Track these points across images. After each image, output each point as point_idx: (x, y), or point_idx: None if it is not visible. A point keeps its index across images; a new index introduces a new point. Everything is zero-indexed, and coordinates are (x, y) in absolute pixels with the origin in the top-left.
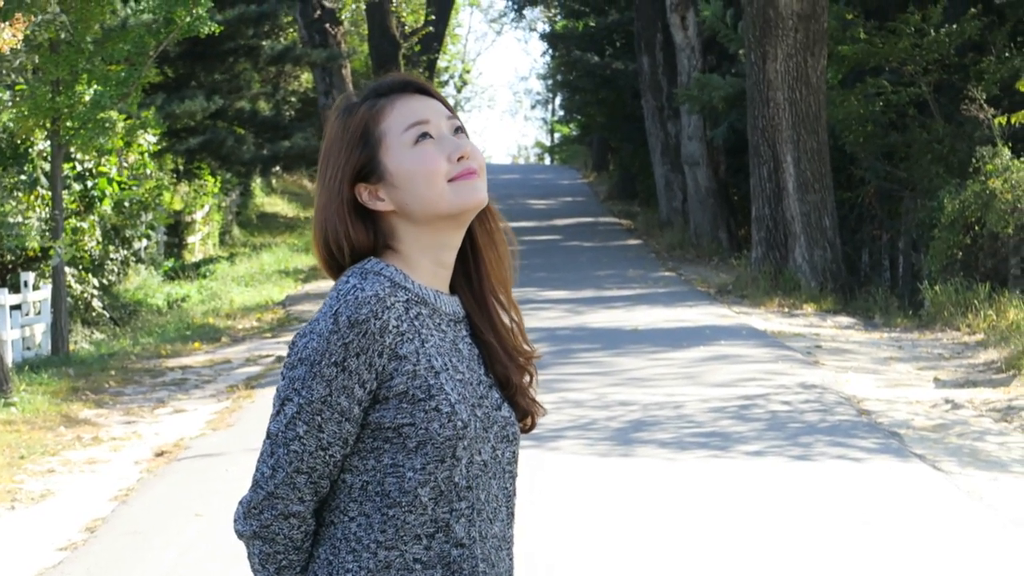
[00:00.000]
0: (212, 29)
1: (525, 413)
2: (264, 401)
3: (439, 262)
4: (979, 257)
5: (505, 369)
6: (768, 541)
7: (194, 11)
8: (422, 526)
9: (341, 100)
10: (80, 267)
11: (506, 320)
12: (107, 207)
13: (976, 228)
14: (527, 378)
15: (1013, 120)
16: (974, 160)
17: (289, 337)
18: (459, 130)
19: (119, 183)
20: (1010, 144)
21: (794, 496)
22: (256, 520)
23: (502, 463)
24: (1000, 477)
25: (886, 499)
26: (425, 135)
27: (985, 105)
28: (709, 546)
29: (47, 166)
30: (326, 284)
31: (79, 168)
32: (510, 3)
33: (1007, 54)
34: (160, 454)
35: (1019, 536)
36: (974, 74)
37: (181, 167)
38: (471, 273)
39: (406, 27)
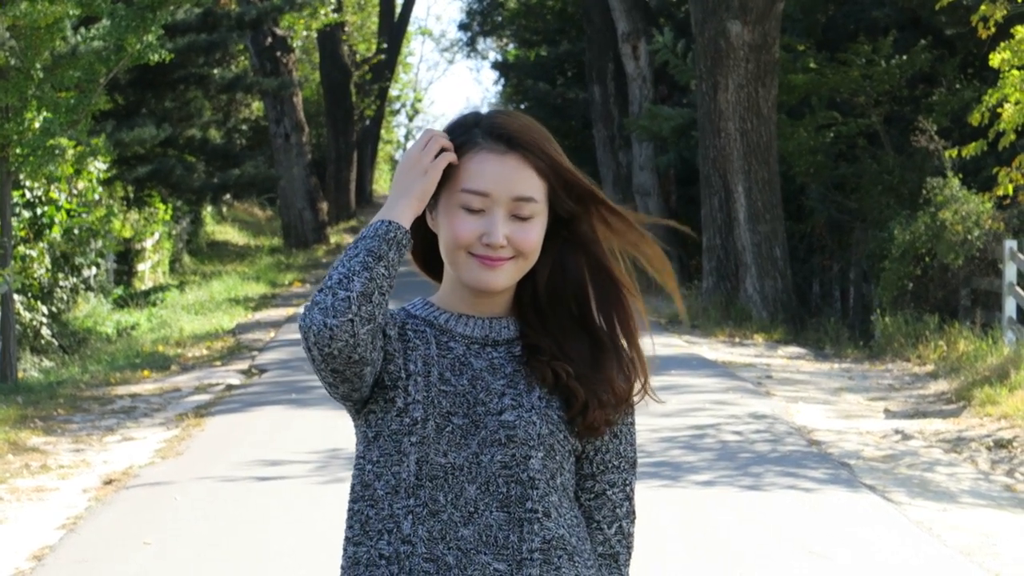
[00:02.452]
0: (162, 57)
1: (574, 394)
2: (214, 430)
3: (468, 304)
4: (929, 288)
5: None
6: (718, 572)
7: (144, 38)
8: (382, 521)
9: (461, 116)
10: (29, 294)
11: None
12: (56, 234)
13: (926, 259)
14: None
15: (964, 152)
16: (924, 191)
17: (239, 365)
18: (521, 218)
19: (68, 210)
20: (960, 175)
21: (744, 526)
22: None
23: (489, 467)
24: (949, 508)
25: (836, 529)
26: (472, 209)
27: (936, 136)
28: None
29: None
30: (276, 313)
31: (28, 195)
32: (462, 33)
33: (957, 86)
34: (109, 482)
35: (968, 567)
36: (924, 106)
37: (131, 195)
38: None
39: (358, 55)
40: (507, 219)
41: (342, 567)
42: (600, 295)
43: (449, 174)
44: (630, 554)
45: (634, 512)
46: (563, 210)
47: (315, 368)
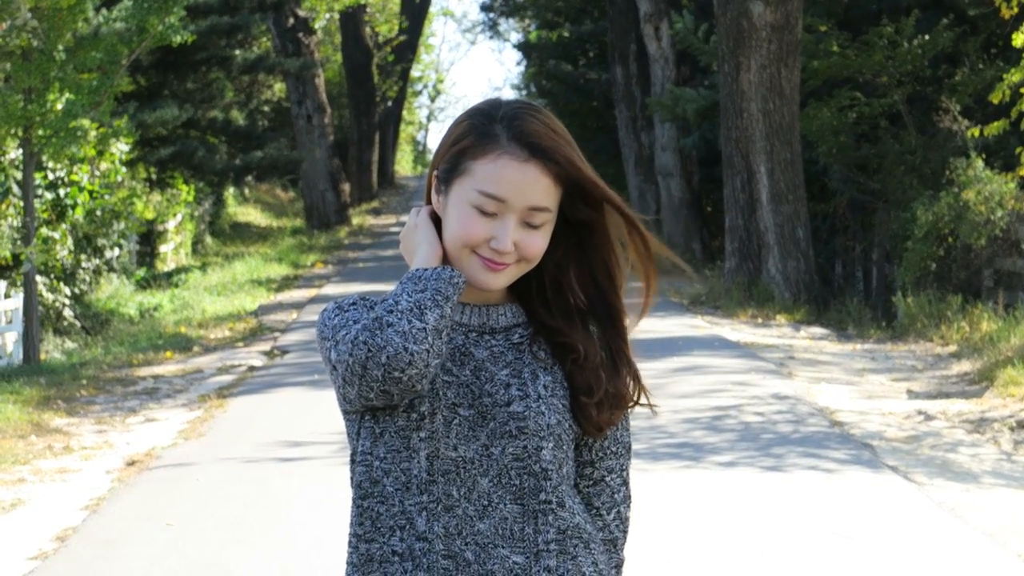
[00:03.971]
0: (184, 38)
1: (588, 388)
2: (236, 411)
3: (464, 292)
4: (952, 269)
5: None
6: (740, 552)
7: (167, 20)
8: (394, 517)
9: (484, 104)
10: (52, 276)
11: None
12: (79, 216)
13: (949, 240)
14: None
15: (986, 132)
16: (947, 172)
17: (261, 346)
18: (532, 226)
19: (91, 192)
20: (983, 156)
21: (766, 507)
22: None
23: (501, 460)
24: (972, 489)
25: (858, 510)
26: (485, 212)
27: (958, 117)
28: (681, 557)
29: (19, 174)
30: (299, 294)
31: (51, 177)
32: (484, 14)
33: (980, 66)
34: (131, 463)
35: (991, 548)
36: (947, 86)
37: (154, 176)
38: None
39: (380, 36)
40: (518, 226)
41: (351, 563)
42: (614, 294)
43: (466, 167)
44: (626, 538)
45: (630, 496)
46: (574, 215)
47: (362, 384)
